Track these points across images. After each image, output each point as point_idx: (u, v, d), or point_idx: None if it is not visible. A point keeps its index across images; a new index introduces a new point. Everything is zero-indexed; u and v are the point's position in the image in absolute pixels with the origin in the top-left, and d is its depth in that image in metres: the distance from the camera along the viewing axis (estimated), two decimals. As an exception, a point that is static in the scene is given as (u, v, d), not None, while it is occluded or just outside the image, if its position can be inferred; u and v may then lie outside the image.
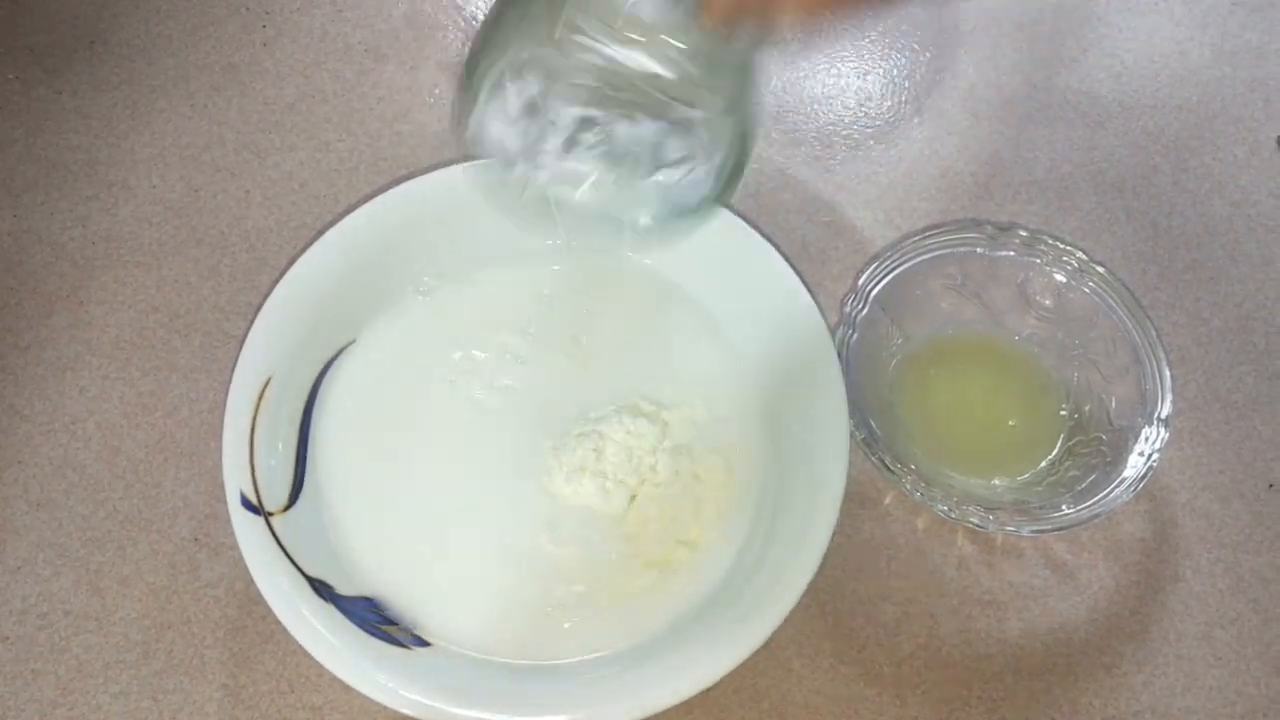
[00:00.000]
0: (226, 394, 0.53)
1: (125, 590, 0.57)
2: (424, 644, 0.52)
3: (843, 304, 0.60)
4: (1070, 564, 0.60)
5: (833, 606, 0.58)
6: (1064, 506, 0.56)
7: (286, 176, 0.69)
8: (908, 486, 0.55)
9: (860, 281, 0.61)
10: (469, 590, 0.54)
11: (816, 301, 0.57)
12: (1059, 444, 0.61)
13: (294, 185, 0.69)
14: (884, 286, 0.61)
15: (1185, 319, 0.67)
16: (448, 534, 0.55)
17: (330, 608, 0.50)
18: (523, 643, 0.53)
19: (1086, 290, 0.61)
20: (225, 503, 0.52)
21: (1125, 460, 0.57)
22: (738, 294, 0.59)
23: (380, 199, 0.59)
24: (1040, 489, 0.59)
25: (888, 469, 0.56)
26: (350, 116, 0.72)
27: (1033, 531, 0.55)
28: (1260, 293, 0.68)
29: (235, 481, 0.52)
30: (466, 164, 0.60)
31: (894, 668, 0.57)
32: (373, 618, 0.52)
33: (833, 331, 0.57)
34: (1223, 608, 0.59)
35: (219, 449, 0.53)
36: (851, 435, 0.54)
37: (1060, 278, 0.62)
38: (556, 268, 0.62)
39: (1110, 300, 0.61)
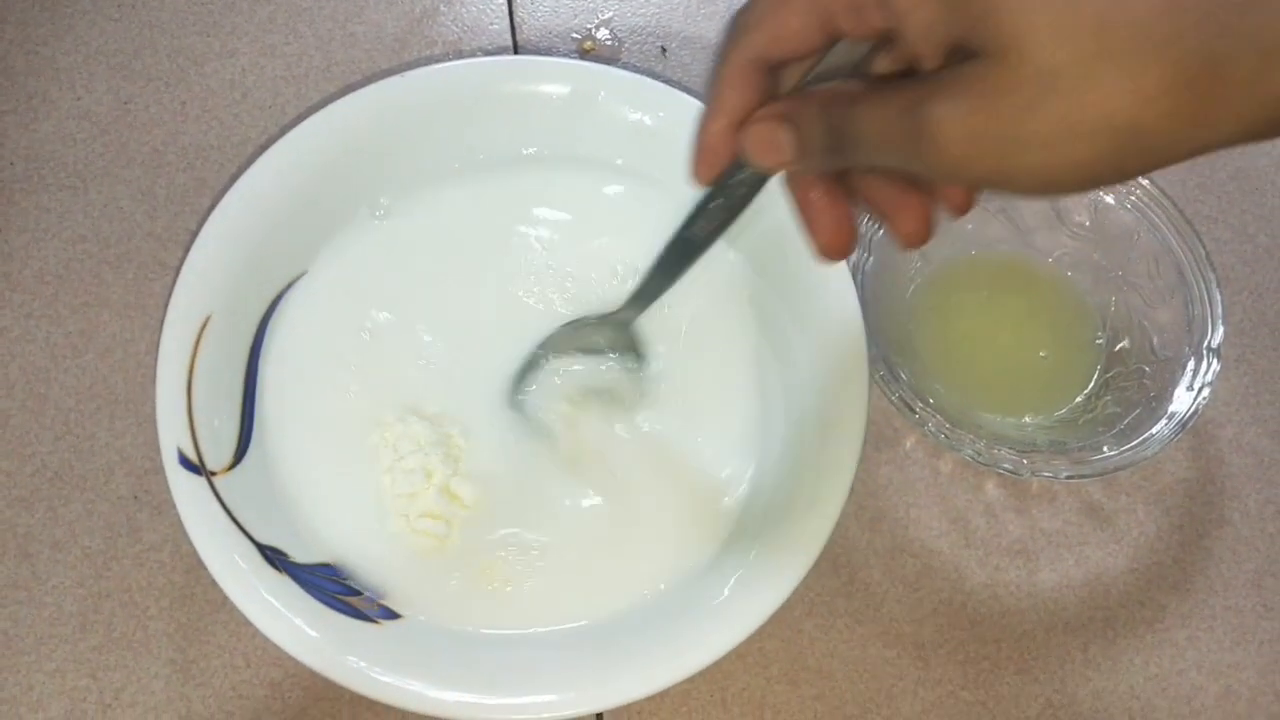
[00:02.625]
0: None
1: (58, 556, 0.51)
2: (393, 615, 0.46)
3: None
4: (1107, 508, 0.54)
5: (847, 560, 0.53)
6: (1105, 448, 0.50)
7: (227, 85, 0.62)
8: (931, 429, 0.50)
9: (876, 198, 0.54)
10: (443, 552, 0.48)
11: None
12: (1095, 377, 0.55)
13: (235, 95, 0.61)
14: (902, 203, 0.54)
15: (1229, 234, 0.61)
16: (418, 488, 0.49)
17: (285, 579, 0.44)
18: (506, 610, 0.47)
19: (1128, 205, 0.55)
20: (167, 454, 0.46)
21: (1170, 395, 0.52)
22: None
23: (331, 109, 0.52)
24: (1077, 428, 0.53)
25: (910, 409, 0.50)
26: (297, 16, 0.64)
27: (1071, 477, 0.50)
28: (1310, 204, 0.62)
29: (171, 437, 0.45)
30: (425, 68, 0.53)
31: (915, 626, 0.52)
32: (334, 587, 0.46)
33: (846, 255, 0.51)
34: (1273, 553, 0.54)
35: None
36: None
37: (1098, 191, 0.55)
38: (529, 183, 0.55)
39: (1154, 216, 0.54)
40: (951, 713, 0.50)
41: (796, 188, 0.37)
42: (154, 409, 0.46)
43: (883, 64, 0.34)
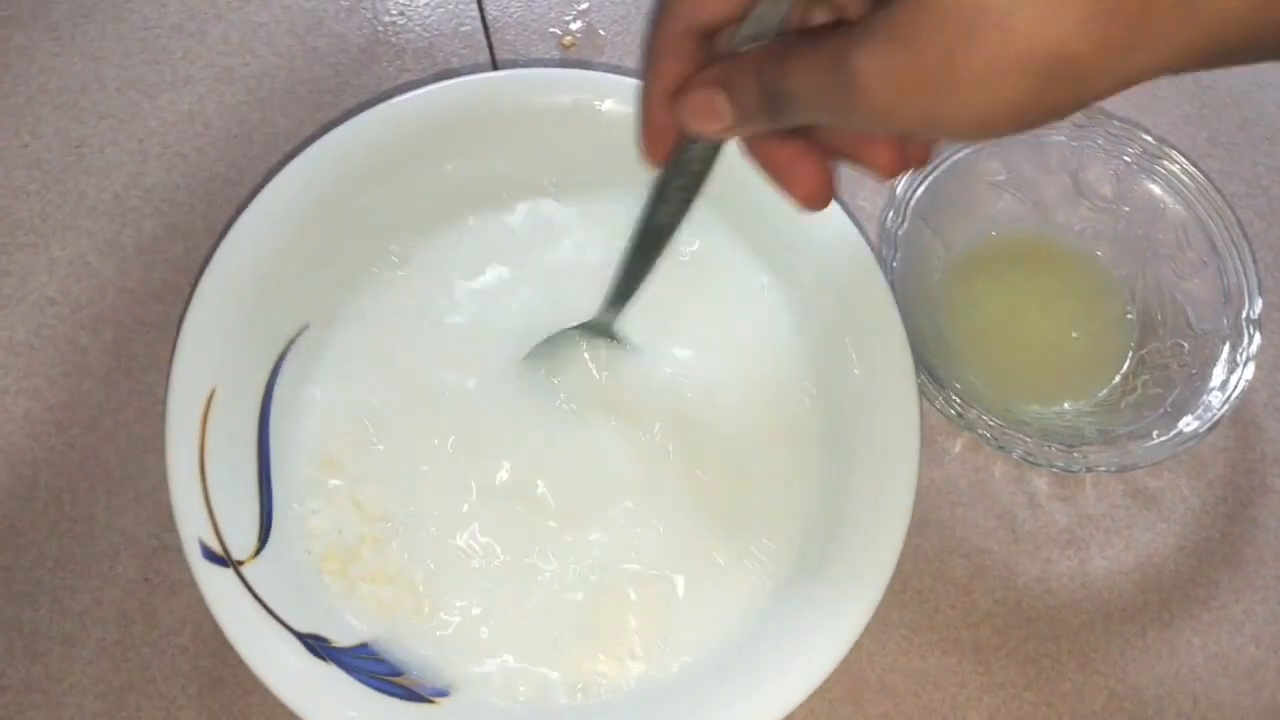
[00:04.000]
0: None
1: (71, 651, 0.48)
2: (444, 692, 0.44)
3: (882, 220, 0.51)
4: (1151, 488, 0.53)
5: (897, 569, 0.50)
6: (1154, 433, 0.49)
7: (186, 117, 0.57)
8: (981, 434, 0.48)
9: (899, 191, 0.51)
10: (493, 619, 0.45)
11: (851, 216, 0.48)
12: (1130, 354, 0.53)
13: (196, 127, 0.57)
14: (923, 194, 0.52)
15: (1243, 188, 0.59)
16: (458, 552, 0.46)
17: (331, 668, 0.42)
18: (564, 680, 0.45)
19: (1152, 176, 0.53)
20: (175, 531, 0.42)
21: (1211, 372, 0.50)
22: (762, 220, 0.50)
23: (307, 154, 0.48)
24: (1120, 411, 0.52)
25: (958, 415, 0.48)
26: (253, 34, 0.59)
27: (1123, 468, 0.48)
28: (1322, 149, 0.60)
29: (192, 529, 0.42)
30: (420, 91, 0.49)
31: (972, 630, 0.50)
32: (382, 668, 0.43)
33: (876, 254, 0.48)
34: (1320, 517, 0.53)
35: (158, 466, 0.43)
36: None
37: (1120, 163, 0.53)
38: (551, 204, 0.52)
39: (1179, 184, 0.52)
40: (1017, 717, 0.49)
41: (759, 151, 0.35)
42: (155, 481, 0.45)
43: (820, 15, 0.33)
